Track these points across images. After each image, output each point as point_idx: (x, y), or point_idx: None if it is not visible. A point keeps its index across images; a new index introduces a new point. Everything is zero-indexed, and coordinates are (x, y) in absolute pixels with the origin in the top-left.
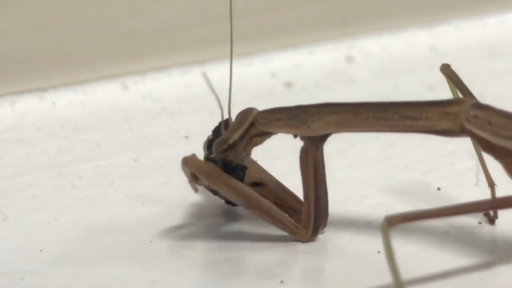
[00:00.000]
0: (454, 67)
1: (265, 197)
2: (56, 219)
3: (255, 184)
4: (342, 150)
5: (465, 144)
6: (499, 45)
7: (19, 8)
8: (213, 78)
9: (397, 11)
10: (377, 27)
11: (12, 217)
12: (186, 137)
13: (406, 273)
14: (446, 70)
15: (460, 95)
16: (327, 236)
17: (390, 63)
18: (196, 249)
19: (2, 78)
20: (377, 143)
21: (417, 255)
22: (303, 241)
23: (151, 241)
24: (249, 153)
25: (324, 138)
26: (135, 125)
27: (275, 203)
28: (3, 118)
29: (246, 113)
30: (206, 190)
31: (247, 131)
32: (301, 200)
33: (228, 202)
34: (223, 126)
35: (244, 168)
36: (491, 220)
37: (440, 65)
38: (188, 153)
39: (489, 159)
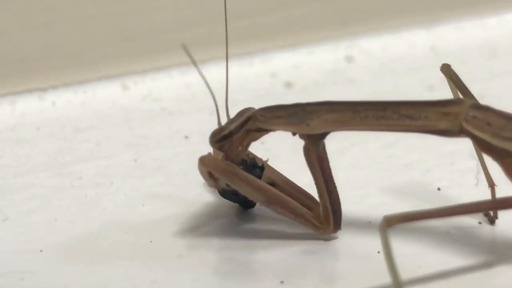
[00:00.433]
0: (454, 67)
1: None
2: (56, 219)
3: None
4: (342, 150)
5: (465, 144)
6: (499, 45)
7: (19, 8)
8: (213, 78)
9: (397, 11)
10: (377, 27)
11: (12, 217)
12: (186, 137)
13: (405, 273)
14: (446, 70)
15: (460, 95)
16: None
17: (390, 63)
18: (196, 249)
19: (2, 78)
20: (377, 143)
21: (416, 255)
22: (327, 234)
23: (151, 241)
24: (246, 148)
25: (323, 136)
26: (135, 125)
27: None
28: (3, 118)
29: (244, 110)
30: (211, 191)
31: (243, 123)
32: (313, 198)
33: (242, 204)
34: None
35: (262, 168)
36: (491, 221)
37: (440, 65)
38: (188, 153)
39: (489, 159)
